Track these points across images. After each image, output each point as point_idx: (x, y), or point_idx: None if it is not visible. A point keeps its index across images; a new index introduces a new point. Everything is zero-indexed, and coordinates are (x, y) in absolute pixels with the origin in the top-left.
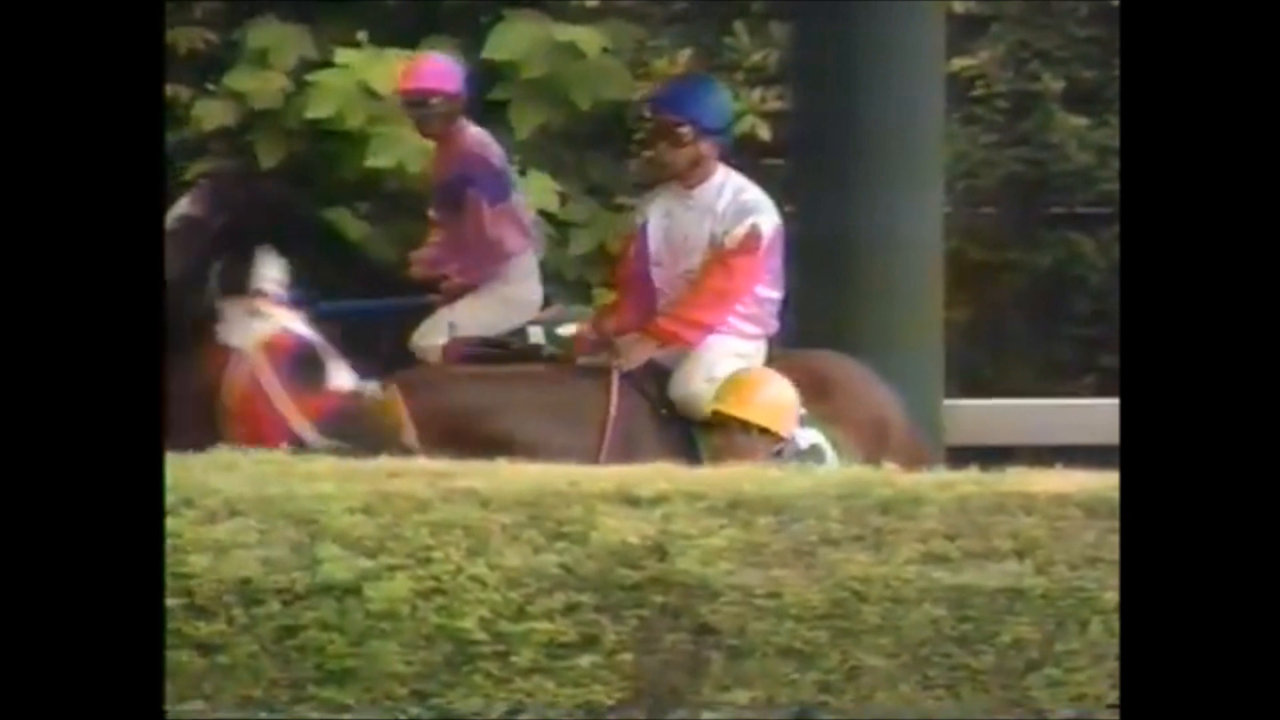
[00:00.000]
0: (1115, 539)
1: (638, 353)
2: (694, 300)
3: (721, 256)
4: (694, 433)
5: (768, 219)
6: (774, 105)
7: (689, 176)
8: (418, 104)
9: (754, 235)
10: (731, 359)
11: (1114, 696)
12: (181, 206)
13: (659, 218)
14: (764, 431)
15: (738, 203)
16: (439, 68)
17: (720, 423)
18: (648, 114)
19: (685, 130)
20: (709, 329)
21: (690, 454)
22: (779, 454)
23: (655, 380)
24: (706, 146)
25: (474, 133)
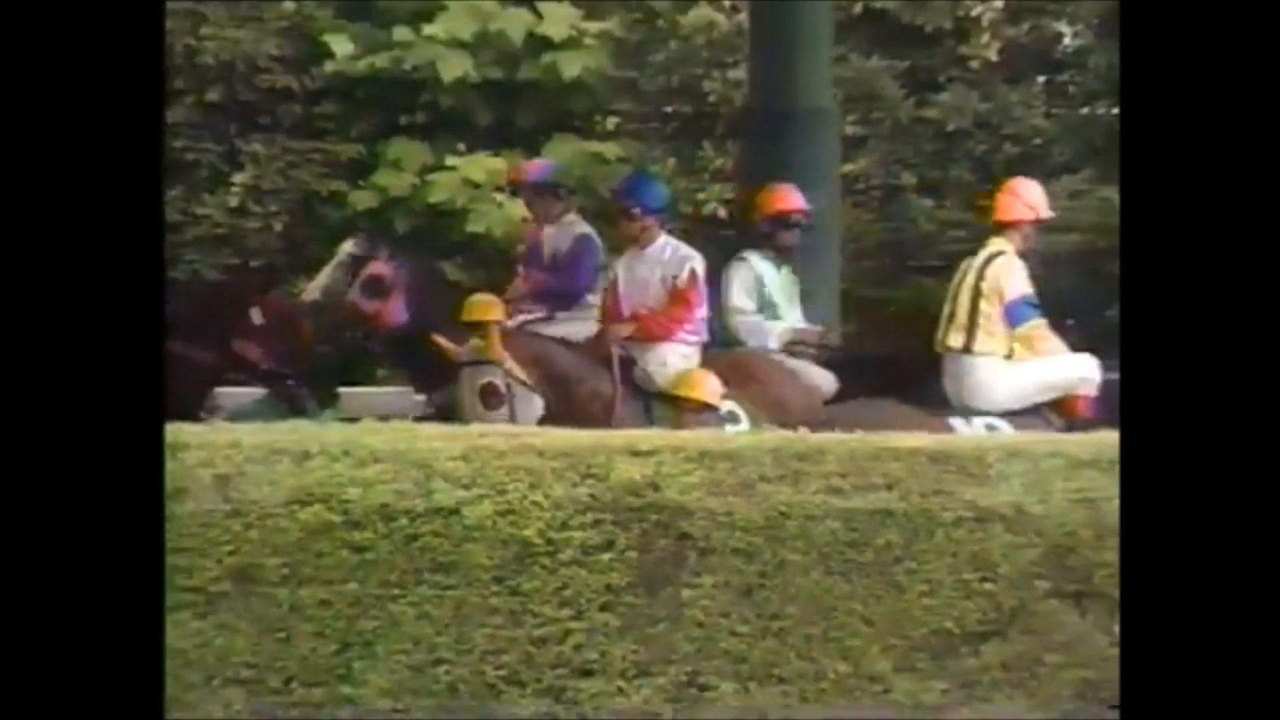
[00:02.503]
0: (951, 476)
1: (621, 334)
2: (666, 314)
3: (678, 292)
4: (649, 402)
5: (698, 263)
6: (728, 195)
7: (641, 241)
8: (535, 191)
9: (694, 275)
10: (678, 357)
11: (951, 582)
12: (349, 246)
13: (624, 271)
14: (705, 405)
15: (677, 255)
16: (551, 167)
17: (678, 400)
18: (612, 200)
19: (635, 211)
20: (670, 332)
21: (648, 417)
22: (717, 415)
23: (624, 365)
24: (649, 221)
25: (584, 229)
